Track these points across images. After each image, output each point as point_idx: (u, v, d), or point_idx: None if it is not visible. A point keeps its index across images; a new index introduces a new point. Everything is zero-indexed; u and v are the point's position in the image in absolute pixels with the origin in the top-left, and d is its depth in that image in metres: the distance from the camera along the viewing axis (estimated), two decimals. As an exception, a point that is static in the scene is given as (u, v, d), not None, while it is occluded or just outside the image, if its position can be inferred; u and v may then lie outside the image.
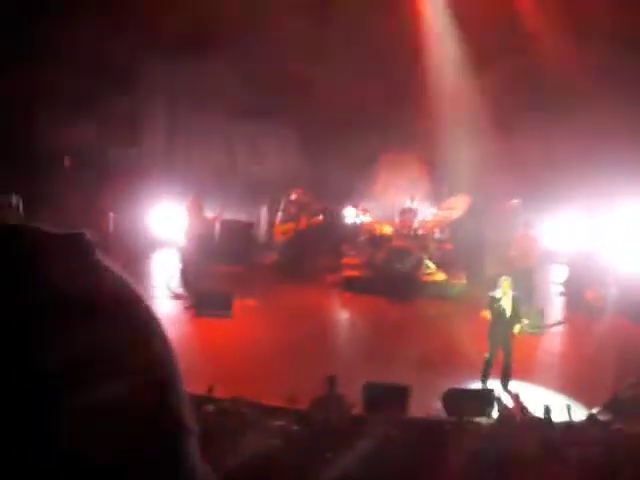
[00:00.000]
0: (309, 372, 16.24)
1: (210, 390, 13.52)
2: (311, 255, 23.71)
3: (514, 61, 24.27)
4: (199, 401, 13.42)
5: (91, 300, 1.09)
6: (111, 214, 22.56)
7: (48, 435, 0.96)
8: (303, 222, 23.06)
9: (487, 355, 16.74)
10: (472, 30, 24.08)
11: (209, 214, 22.58)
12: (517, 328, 16.70)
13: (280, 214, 23.40)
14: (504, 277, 17.32)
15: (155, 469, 1.06)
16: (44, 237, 1.14)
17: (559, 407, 13.62)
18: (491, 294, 17.09)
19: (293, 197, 23.51)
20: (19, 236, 1.12)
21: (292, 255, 23.23)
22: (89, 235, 1.19)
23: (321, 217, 23.45)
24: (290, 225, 23.04)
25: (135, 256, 23.15)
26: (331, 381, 14.25)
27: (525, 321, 17.13)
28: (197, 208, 22.09)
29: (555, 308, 20.84)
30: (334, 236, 24.44)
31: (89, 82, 22.33)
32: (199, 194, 22.24)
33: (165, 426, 1.09)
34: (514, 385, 16.30)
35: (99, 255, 1.18)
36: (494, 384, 16.16)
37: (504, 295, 16.74)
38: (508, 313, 16.66)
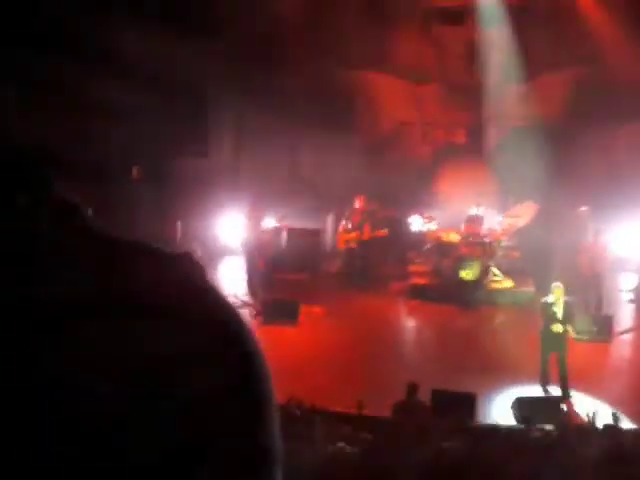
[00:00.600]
0: (377, 379, 16.31)
1: (292, 401, 13.53)
2: (375, 264, 23.74)
3: (581, 69, 24.15)
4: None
5: (216, 332, 1.10)
6: (179, 223, 22.79)
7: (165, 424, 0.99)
8: (367, 233, 23.02)
9: (541, 362, 16.71)
10: (534, 37, 23.99)
11: (270, 222, 22.71)
12: (560, 327, 16.61)
13: (344, 222, 23.39)
14: (556, 283, 17.26)
15: None
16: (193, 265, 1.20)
17: (623, 416, 13.49)
18: (543, 300, 17.04)
19: (357, 205, 23.51)
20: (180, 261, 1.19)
21: (355, 264, 23.23)
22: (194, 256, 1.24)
23: (386, 230, 23.40)
24: (353, 234, 23.01)
25: (203, 265, 23.34)
26: (413, 388, 14.27)
27: (573, 328, 16.96)
28: (256, 216, 22.23)
29: (624, 315, 20.59)
30: (400, 244, 24.45)
31: (156, 94, 22.57)
32: (257, 202, 22.37)
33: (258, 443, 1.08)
34: (580, 393, 16.15)
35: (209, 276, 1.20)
36: (556, 391, 16.05)
37: (557, 301, 16.67)
38: (560, 317, 16.59)
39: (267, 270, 22.13)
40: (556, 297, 16.74)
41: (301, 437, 11.30)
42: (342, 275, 23.25)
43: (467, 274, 21.91)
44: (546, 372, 16.71)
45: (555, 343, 16.62)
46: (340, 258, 23.55)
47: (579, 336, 19.01)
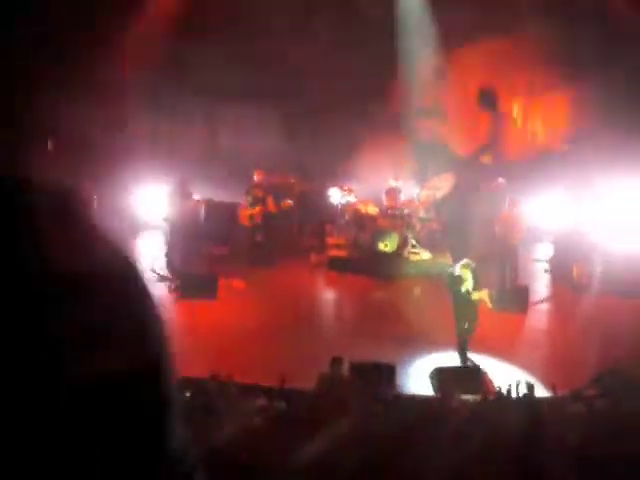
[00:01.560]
0: (297, 352, 16.31)
1: (214, 375, 13.50)
2: (287, 237, 23.73)
3: (491, 41, 24.32)
4: (186, 382, 13.43)
5: (91, 272, 1.13)
6: (95, 197, 22.45)
7: (59, 389, 1.03)
8: (270, 206, 22.84)
9: (458, 334, 16.93)
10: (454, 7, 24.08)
11: (194, 197, 22.47)
12: (476, 295, 16.78)
13: (245, 198, 23.10)
14: (465, 260, 17.50)
15: (142, 433, 1.13)
16: (40, 198, 1.17)
17: (540, 385, 13.67)
18: (450, 270, 17.21)
19: (255, 178, 23.32)
20: (16, 193, 1.14)
21: (260, 237, 23.12)
22: (81, 193, 1.21)
23: (290, 202, 23.35)
24: (257, 209, 22.76)
25: (120, 239, 23.09)
26: (337, 361, 14.27)
27: (485, 296, 17.10)
28: (183, 192, 21.99)
29: (540, 285, 20.87)
30: (318, 216, 24.45)
31: (73, 63, 22.21)
32: (185, 178, 22.11)
33: (156, 394, 1.16)
34: (496, 363, 16.33)
35: (91, 216, 1.22)
36: (475, 359, 16.21)
37: (464, 272, 16.83)
38: (470, 288, 16.76)
39: (189, 244, 21.93)
40: (464, 269, 16.89)
41: (218, 411, 11.24)
42: (254, 250, 23.09)
43: (385, 246, 22.00)
44: (463, 341, 16.91)
45: (467, 312, 16.82)
46: (249, 233, 23.31)
47: (495, 306, 19.23)
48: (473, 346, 16.95)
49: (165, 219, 22.13)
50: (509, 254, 20.37)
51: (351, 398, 12.32)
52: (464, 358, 16.85)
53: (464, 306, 16.87)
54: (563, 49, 23.75)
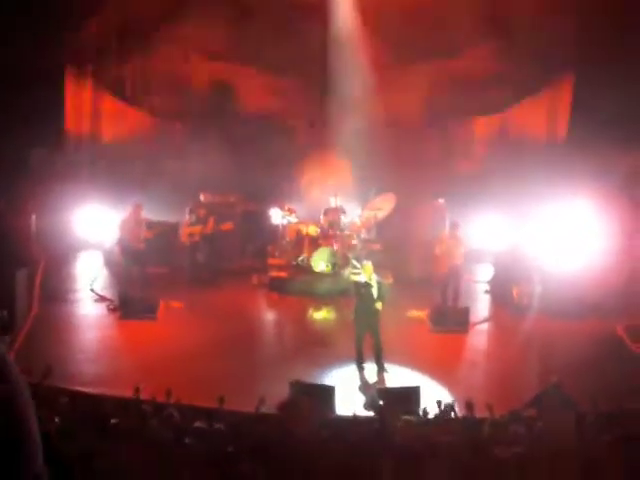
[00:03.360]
0: (234, 372, 16.27)
1: (136, 390, 13.41)
2: (226, 258, 23.66)
3: (433, 62, 24.53)
4: (124, 403, 13.31)
5: None
6: (33, 216, 22.23)
7: None
8: (210, 226, 22.82)
9: (356, 340, 17.09)
10: (387, 27, 24.23)
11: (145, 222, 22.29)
12: (379, 305, 16.93)
13: (187, 216, 23.05)
14: (365, 261, 17.69)
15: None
16: None
17: (481, 404, 13.71)
18: (356, 279, 17.33)
19: (202, 199, 23.37)
20: None
21: (199, 258, 23.03)
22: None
23: (231, 224, 23.34)
24: (197, 228, 22.73)
25: (59, 259, 22.91)
26: (296, 385, 14.28)
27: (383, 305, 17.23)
28: (137, 217, 21.84)
29: (481, 306, 21.01)
30: (259, 237, 24.40)
31: (8, 81, 22.03)
32: (139, 204, 21.95)
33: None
34: (437, 383, 16.37)
35: None
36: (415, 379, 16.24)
37: (369, 279, 16.93)
38: (375, 296, 16.86)
39: (133, 264, 21.75)
40: (367, 275, 17.00)
41: (155, 433, 11.14)
42: (193, 269, 22.96)
43: (327, 267, 22.01)
44: (361, 350, 17.09)
45: (368, 321, 16.94)
46: (188, 252, 23.19)
47: (437, 327, 19.33)
48: (414, 365, 17.01)
49: (117, 241, 21.83)
50: (450, 276, 20.47)
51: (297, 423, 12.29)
52: (361, 364, 16.97)
53: (365, 312, 16.96)
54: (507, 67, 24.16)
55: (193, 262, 22.97)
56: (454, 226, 20.88)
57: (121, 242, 21.69)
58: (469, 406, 13.47)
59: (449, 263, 20.37)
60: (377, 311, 16.91)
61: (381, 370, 16.89)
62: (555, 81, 23.74)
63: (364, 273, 17.17)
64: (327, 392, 14.82)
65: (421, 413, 13.75)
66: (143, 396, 13.43)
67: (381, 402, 14.81)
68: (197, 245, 22.88)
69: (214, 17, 24.68)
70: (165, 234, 23.20)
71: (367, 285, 16.97)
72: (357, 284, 17.23)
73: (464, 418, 13.25)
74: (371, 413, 14.69)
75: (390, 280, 21.38)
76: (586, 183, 20.96)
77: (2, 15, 20.99)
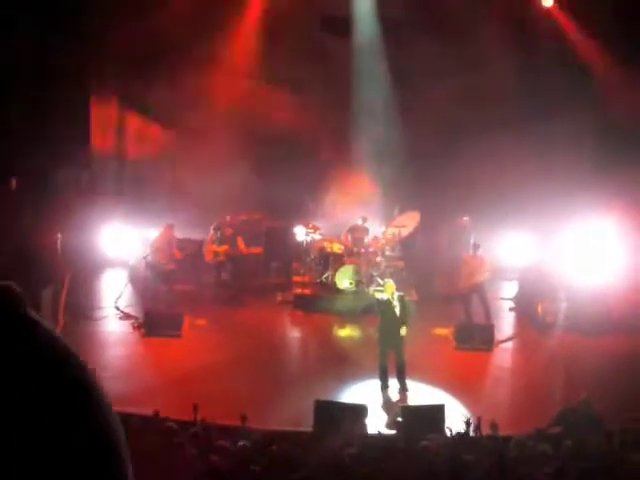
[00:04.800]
0: (258, 390, 16.25)
1: (156, 413, 13.43)
2: (252, 276, 23.73)
3: (463, 79, 24.47)
4: (148, 422, 13.32)
5: (26, 364, 1.22)
6: (59, 235, 22.33)
7: None
8: (240, 248, 22.93)
9: (380, 358, 17.04)
10: (419, 46, 24.23)
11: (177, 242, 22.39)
12: (404, 330, 16.86)
13: (212, 234, 23.12)
14: (386, 279, 17.66)
15: None
16: None
17: (506, 422, 13.66)
18: (378, 297, 17.28)
19: (228, 219, 23.46)
20: None
21: (226, 276, 23.11)
22: (15, 287, 1.24)
23: (260, 248, 23.48)
24: (223, 248, 22.79)
25: (84, 276, 23.01)
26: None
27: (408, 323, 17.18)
28: (169, 237, 21.93)
29: (506, 323, 20.93)
30: (283, 255, 24.44)
31: (36, 102, 22.18)
32: (172, 224, 22.07)
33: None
34: (461, 401, 16.30)
35: (28, 310, 1.27)
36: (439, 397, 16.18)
37: (391, 297, 16.89)
38: (397, 314, 16.82)
39: (160, 283, 21.83)
40: (389, 293, 16.96)
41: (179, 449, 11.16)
42: (219, 288, 23.03)
43: (350, 284, 21.99)
44: (385, 368, 17.02)
45: (392, 339, 16.88)
46: (213, 271, 23.27)
47: (462, 345, 19.27)
48: (438, 383, 16.96)
49: (146, 260, 21.83)
50: (472, 293, 20.42)
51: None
52: (385, 382, 16.92)
53: (388, 330, 16.91)
54: (531, 82, 24.11)
55: (218, 280, 23.03)
56: (476, 247, 20.81)
57: (151, 262, 21.72)
58: (494, 425, 13.42)
59: (471, 281, 20.31)
60: (401, 329, 16.85)
61: (403, 388, 16.85)
62: (578, 96, 23.59)
63: (386, 291, 17.15)
64: (356, 411, 14.76)
65: (446, 431, 13.71)
66: (168, 414, 13.45)
67: (405, 420, 14.77)
68: (222, 264, 22.94)
69: (240, 35, 24.84)
70: (192, 252, 23.28)
71: (389, 303, 16.93)
72: (379, 302, 17.20)
73: (490, 437, 13.19)
74: (395, 431, 14.67)
75: (415, 297, 21.36)
76: (611, 200, 20.90)
77: (26, 31, 21.12)
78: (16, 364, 1.21)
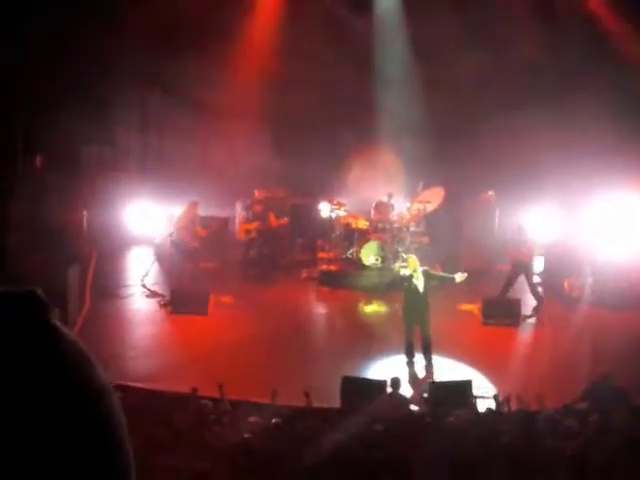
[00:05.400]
0: (286, 367, 16.32)
1: (194, 391, 13.50)
2: (281, 253, 23.78)
3: (481, 57, 24.32)
4: (179, 400, 13.41)
5: (51, 374, 1.27)
6: (85, 212, 22.44)
7: None
8: (272, 221, 22.95)
9: (405, 334, 17.10)
10: (432, 27, 24.09)
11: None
12: (461, 277, 17.10)
13: (244, 212, 23.29)
14: (408, 255, 17.68)
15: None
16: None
17: (533, 398, 13.67)
18: (401, 273, 17.24)
19: (258, 196, 23.50)
20: None
21: (258, 254, 23.19)
22: (40, 293, 1.32)
23: (286, 219, 23.44)
24: (254, 224, 22.89)
25: (110, 254, 23.12)
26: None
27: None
28: (192, 215, 22.00)
29: (532, 299, 20.86)
30: (309, 231, 24.46)
31: (61, 80, 22.21)
32: (196, 201, 22.14)
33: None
34: (487, 377, 16.32)
35: (52, 317, 1.31)
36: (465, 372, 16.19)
37: (414, 272, 16.86)
38: (421, 289, 16.81)
39: (186, 261, 21.93)
40: (412, 269, 16.93)
41: (213, 427, 11.24)
42: (247, 265, 23.14)
43: (376, 260, 21.99)
44: (411, 343, 17.06)
45: (417, 314, 16.93)
46: (243, 248, 23.38)
47: (488, 320, 19.27)
48: (464, 359, 16.98)
49: (171, 238, 21.88)
50: (517, 271, 20.35)
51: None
52: (411, 358, 16.95)
53: (413, 306, 16.92)
54: (551, 61, 23.93)
55: (246, 258, 23.13)
56: (521, 230, 20.69)
57: (175, 240, 21.80)
58: (521, 400, 13.44)
59: (517, 259, 20.25)
60: (425, 304, 16.88)
61: (429, 364, 16.87)
62: (600, 71, 23.41)
63: (409, 266, 17.12)
64: (379, 387, 14.81)
65: (474, 407, 13.74)
66: (197, 391, 13.54)
67: (432, 396, 14.82)
68: (254, 241, 23.02)
69: (261, 13, 24.82)
70: (217, 230, 23.36)
71: (412, 278, 16.92)
72: (403, 278, 17.19)
73: (517, 412, 13.21)
74: (422, 407, 14.72)
75: (440, 272, 21.29)
76: (635, 173, 20.81)
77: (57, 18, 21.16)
78: (39, 371, 1.25)
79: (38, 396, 1.23)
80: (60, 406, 1.25)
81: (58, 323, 1.31)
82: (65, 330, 1.32)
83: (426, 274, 17.09)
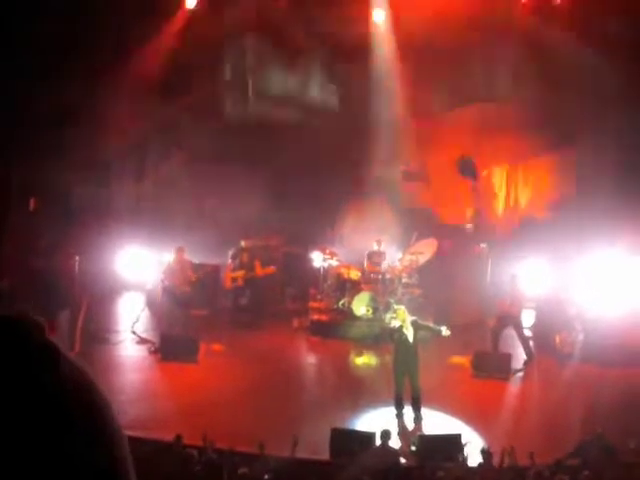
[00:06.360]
0: (274, 416, 16.21)
1: (178, 438, 13.40)
2: (269, 301, 23.72)
3: (480, 106, 24.48)
4: (165, 448, 13.31)
5: (49, 392, 1.27)
6: (77, 257, 22.40)
7: None
8: (258, 270, 22.96)
9: (395, 385, 16.97)
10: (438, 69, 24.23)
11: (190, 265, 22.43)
12: (445, 331, 17.05)
13: (230, 260, 23.36)
14: (397, 306, 17.70)
15: None
16: None
17: (523, 452, 13.59)
18: (390, 325, 17.24)
19: (244, 244, 23.53)
20: None
21: (242, 302, 23.16)
22: (31, 314, 1.33)
23: (273, 268, 23.47)
24: (240, 273, 22.92)
25: (101, 300, 23.06)
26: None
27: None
28: (181, 261, 21.94)
29: (523, 353, 20.80)
30: (300, 280, 24.43)
31: (57, 123, 22.26)
32: (182, 247, 22.08)
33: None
34: (477, 430, 16.22)
35: (47, 337, 1.31)
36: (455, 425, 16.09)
37: (403, 323, 16.83)
38: (411, 339, 16.76)
39: (177, 307, 21.84)
40: (401, 319, 16.90)
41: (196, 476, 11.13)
42: (237, 313, 23.08)
43: (367, 311, 21.96)
44: (400, 395, 16.96)
45: (406, 366, 16.88)
46: (231, 296, 23.37)
47: (478, 373, 19.21)
48: (454, 411, 16.89)
49: (162, 285, 21.84)
50: (506, 323, 20.33)
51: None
52: (400, 410, 16.86)
53: (402, 357, 16.89)
54: (546, 116, 23.98)
55: (235, 305, 23.09)
56: (513, 277, 20.75)
57: (167, 286, 21.74)
58: (512, 455, 13.35)
59: (508, 312, 20.24)
60: (416, 356, 16.84)
61: (418, 416, 16.79)
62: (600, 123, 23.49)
63: (398, 317, 17.10)
64: (368, 439, 14.71)
65: (463, 461, 13.64)
66: (184, 440, 13.44)
67: (420, 449, 14.71)
68: (240, 289, 23.00)
69: (259, 59, 24.96)
70: (208, 277, 23.33)
71: (401, 330, 16.89)
72: (393, 329, 17.17)
73: (507, 467, 13.13)
74: (410, 460, 14.61)
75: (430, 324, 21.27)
76: (629, 230, 20.86)
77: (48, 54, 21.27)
78: (39, 393, 1.24)
79: (43, 418, 1.23)
80: (66, 426, 1.25)
81: (56, 342, 1.31)
82: (64, 350, 1.31)
83: (415, 324, 17.07)
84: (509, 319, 20.28)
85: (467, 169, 25.47)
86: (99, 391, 1.35)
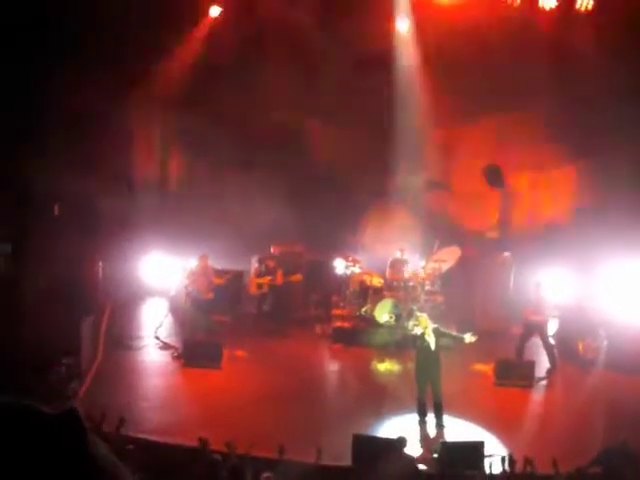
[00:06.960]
0: (297, 423, 16.24)
1: (204, 444, 13.44)
2: (292, 308, 23.76)
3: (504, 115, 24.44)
4: (191, 454, 13.36)
5: None
6: (100, 263, 22.52)
7: None
8: (280, 277, 23.04)
9: (418, 392, 16.99)
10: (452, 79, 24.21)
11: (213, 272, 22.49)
12: (470, 338, 17.18)
13: (256, 266, 23.45)
14: (419, 313, 17.68)
15: None
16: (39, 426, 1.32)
17: (545, 460, 13.54)
18: (412, 333, 17.26)
19: (272, 251, 23.63)
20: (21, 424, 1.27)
21: (267, 308, 23.23)
22: (77, 412, 1.30)
23: (300, 276, 23.55)
24: (266, 279, 23.02)
25: (124, 306, 23.16)
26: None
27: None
28: (204, 268, 22.01)
29: (546, 360, 20.75)
30: (323, 287, 24.45)
31: (82, 130, 22.40)
32: (205, 254, 22.14)
33: None
34: (499, 438, 16.17)
35: (90, 437, 1.34)
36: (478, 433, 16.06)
37: (425, 330, 16.83)
38: (432, 347, 16.75)
39: (200, 313, 21.89)
40: (423, 327, 16.91)
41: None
42: (260, 318, 23.14)
43: (390, 318, 21.96)
44: (423, 402, 16.97)
45: (428, 373, 16.91)
46: (256, 302, 23.45)
47: (501, 381, 19.17)
48: (477, 419, 16.87)
49: (186, 292, 21.94)
50: (531, 331, 20.31)
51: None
52: (422, 417, 16.84)
53: (424, 364, 16.89)
54: (569, 126, 23.89)
55: (259, 312, 23.16)
56: (539, 286, 20.73)
57: (190, 290, 21.83)
58: (530, 462, 13.31)
59: (533, 319, 20.21)
60: (438, 363, 16.85)
61: (440, 424, 16.77)
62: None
63: (419, 325, 17.12)
64: (391, 446, 14.69)
65: (485, 469, 13.62)
66: (207, 444, 13.48)
67: (442, 456, 14.68)
68: (265, 296, 23.09)
69: (281, 68, 24.98)
70: (232, 283, 23.41)
71: (423, 337, 16.90)
72: (415, 336, 17.19)
73: (529, 475, 13.09)
74: (432, 467, 14.59)
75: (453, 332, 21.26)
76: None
77: (71, 63, 21.41)
78: None
79: None
80: None
81: (94, 445, 1.33)
82: (103, 450, 1.34)
83: (437, 332, 17.07)
84: (534, 327, 20.26)
85: (494, 178, 25.46)
86: None
